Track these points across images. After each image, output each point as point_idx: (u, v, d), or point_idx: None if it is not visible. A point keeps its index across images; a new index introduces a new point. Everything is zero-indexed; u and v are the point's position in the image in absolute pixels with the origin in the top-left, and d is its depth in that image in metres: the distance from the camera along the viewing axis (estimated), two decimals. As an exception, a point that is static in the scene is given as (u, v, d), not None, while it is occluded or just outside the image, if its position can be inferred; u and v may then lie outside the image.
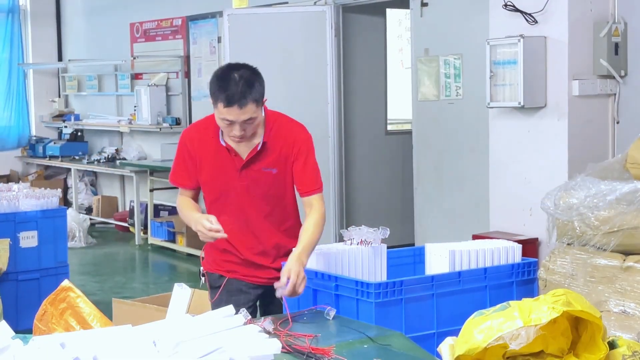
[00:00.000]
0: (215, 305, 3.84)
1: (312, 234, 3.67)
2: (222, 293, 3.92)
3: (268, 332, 2.75)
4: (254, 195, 3.82)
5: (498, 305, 2.57)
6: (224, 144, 3.78)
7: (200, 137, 3.85)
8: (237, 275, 3.90)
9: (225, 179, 3.81)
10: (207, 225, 3.55)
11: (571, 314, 2.49)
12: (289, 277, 3.39)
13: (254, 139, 3.77)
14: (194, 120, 10.66)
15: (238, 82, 3.59)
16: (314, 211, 3.75)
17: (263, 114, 3.76)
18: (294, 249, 3.59)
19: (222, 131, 3.77)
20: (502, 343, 2.43)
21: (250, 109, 3.59)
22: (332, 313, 3.14)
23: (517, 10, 5.69)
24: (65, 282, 3.32)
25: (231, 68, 3.68)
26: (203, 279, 4.04)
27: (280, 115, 3.90)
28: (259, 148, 3.77)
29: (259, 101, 3.65)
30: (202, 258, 4.04)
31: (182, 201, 3.92)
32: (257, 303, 3.95)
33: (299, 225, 3.86)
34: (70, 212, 10.20)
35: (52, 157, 12.59)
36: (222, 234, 3.53)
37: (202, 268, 4.05)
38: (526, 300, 2.53)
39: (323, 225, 3.77)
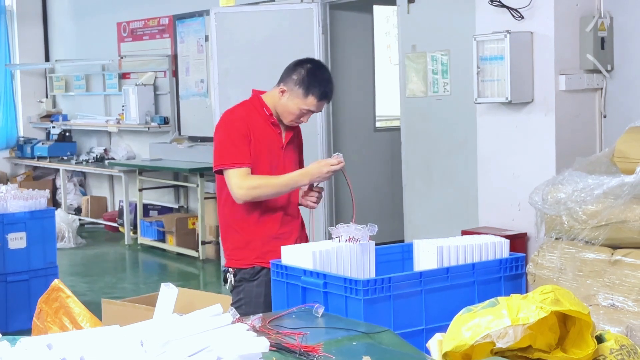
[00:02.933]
0: (250, 296, 4.04)
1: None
2: (260, 284, 4.06)
3: (256, 331, 2.74)
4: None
5: (486, 302, 2.57)
6: (274, 122, 4.07)
7: (248, 115, 4.06)
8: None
9: (273, 155, 4.06)
10: (332, 162, 3.94)
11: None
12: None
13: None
14: (182, 120, 10.68)
15: (330, 80, 4.03)
16: None
17: None
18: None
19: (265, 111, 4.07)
20: (490, 341, 2.43)
21: None
22: (321, 310, 3.13)
23: (503, 5, 5.70)
24: (56, 282, 3.32)
25: (318, 65, 4.08)
26: (231, 277, 4.11)
27: None
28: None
29: None
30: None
31: (257, 177, 3.99)
32: None
33: None
34: (59, 213, 10.18)
35: (40, 157, 12.56)
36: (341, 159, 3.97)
37: (230, 269, 4.12)
38: (515, 298, 2.52)
39: None
